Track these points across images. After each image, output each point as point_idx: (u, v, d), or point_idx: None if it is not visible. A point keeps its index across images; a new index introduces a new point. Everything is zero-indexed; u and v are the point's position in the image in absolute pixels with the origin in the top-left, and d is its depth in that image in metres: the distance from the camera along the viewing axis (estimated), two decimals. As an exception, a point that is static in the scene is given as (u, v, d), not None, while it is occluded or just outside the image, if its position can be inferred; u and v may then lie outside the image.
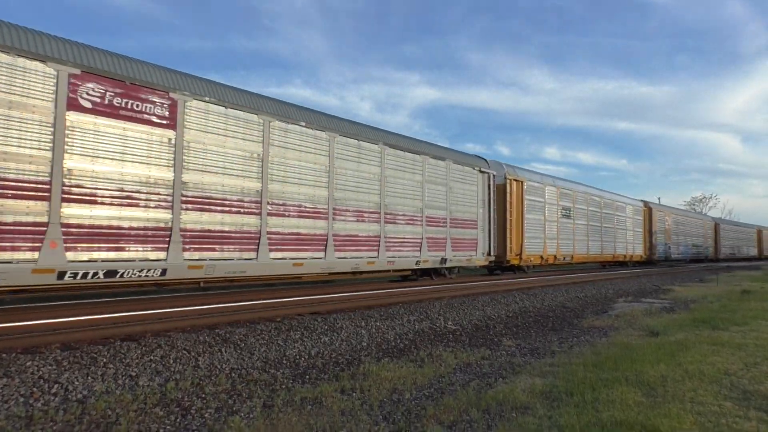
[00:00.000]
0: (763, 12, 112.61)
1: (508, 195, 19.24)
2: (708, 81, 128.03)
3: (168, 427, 4.16)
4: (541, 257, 20.84)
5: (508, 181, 19.32)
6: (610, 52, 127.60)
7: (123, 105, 8.36)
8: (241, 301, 9.77)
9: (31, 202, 7.32)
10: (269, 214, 10.49)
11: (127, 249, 8.33)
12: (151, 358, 5.80)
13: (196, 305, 9.05)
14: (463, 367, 6.22)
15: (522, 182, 20.06)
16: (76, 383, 4.93)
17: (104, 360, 5.55)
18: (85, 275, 7.82)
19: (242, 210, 9.97)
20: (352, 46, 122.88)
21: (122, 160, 8.34)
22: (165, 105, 8.87)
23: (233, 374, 5.71)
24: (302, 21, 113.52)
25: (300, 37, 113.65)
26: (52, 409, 4.37)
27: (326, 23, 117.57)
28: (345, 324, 8.25)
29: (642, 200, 33.94)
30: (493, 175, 18.12)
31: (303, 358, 6.54)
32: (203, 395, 4.94)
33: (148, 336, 6.71)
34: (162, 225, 8.82)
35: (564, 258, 22.56)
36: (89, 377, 5.09)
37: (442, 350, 7.08)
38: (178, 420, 4.31)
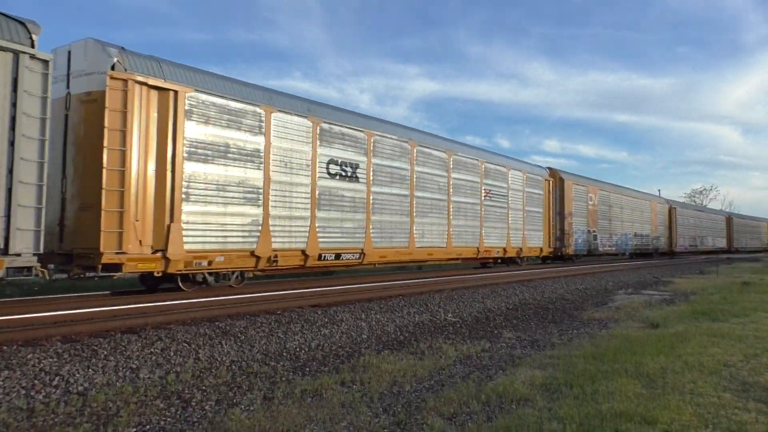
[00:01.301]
0: (764, 2, 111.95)
1: (115, 116, 8.46)
2: (709, 72, 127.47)
3: (169, 419, 4.18)
4: (255, 254, 10.35)
5: (113, 83, 8.50)
6: (610, 44, 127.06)
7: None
8: (241, 294, 9.78)
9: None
10: None
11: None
12: (152, 350, 5.81)
13: (196, 298, 9.06)
14: (464, 360, 6.23)
15: (172, 94, 9.26)
16: (77, 375, 4.94)
17: (105, 352, 5.56)
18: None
19: None
20: (351, 38, 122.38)
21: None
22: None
23: (233, 367, 5.72)
24: (301, 13, 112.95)
25: (299, 29, 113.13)
26: (54, 402, 4.38)
27: (325, 15, 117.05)
28: (345, 316, 8.26)
29: (548, 168, 23.14)
30: (41, 62, 7.00)
31: (303, 351, 6.55)
32: (204, 387, 4.96)
33: (148, 329, 6.72)
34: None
35: (338, 255, 12.14)
36: (90, 369, 5.10)
37: (443, 342, 7.09)
38: (178, 412, 4.32)
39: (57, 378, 4.83)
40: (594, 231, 25.59)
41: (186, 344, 6.14)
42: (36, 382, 4.71)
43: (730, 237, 49.57)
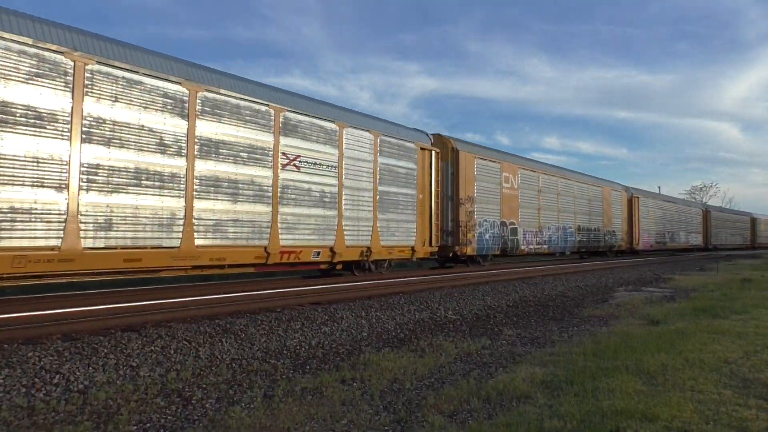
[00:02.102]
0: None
1: None
2: (709, 69, 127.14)
3: (169, 417, 4.17)
4: None
5: None
6: (609, 40, 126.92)
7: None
8: (242, 292, 9.78)
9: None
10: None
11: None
12: (152, 348, 5.81)
13: (196, 296, 9.06)
14: (464, 357, 6.23)
15: None
16: (78, 374, 4.94)
17: (105, 350, 5.56)
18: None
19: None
20: (350, 35, 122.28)
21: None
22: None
23: (234, 364, 5.72)
24: (300, 10, 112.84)
25: (298, 26, 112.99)
26: (54, 400, 4.38)
27: (324, 12, 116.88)
28: (345, 314, 8.26)
29: (436, 134, 16.37)
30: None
31: (303, 348, 6.55)
32: (204, 385, 4.96)
33: (148, 326, 6.72)
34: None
35: None
36: (90, 368, 5.10)
37: (443, 340, 7.09)
38: (179, 410, 4.32)
39: (57, 376, 4.83)
40: (513, 223, 18.84)
41: (186, 342, 6.14)
42: (36, 380, 4.71)
43: (708, 232, 43.31)
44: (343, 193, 12.18)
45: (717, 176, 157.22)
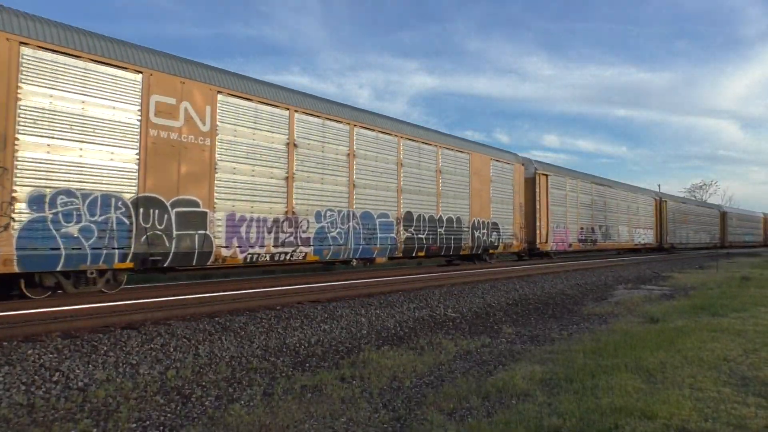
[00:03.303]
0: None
1: None
2: (708, 67, 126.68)
3: (168, 414, 4.18)
4: None
5: None
6: (609, 38, 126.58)
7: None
8: (241, 290, 9.77)
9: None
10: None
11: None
12: (152, 346, 5.81)
13: (196, 293, 9.06)
14: (463, 355, 6.24)
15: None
16: (77, 371, 4.94)
17: (105, 348, 5.56)
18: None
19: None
20: (349, 32, 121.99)
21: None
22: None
23: (233, 362, 5.72)
24: (299, 8, 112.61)
25: (298, 24, 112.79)
26: (54, 397, 4.39)
27: (323, 10, 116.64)
28: (345, 312, 8.27)
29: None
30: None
31: (303, 346, 6.56)
32: (203, 383, 4.96)
33: (148, 324, 6.72)
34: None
35: None
36: (90, 365, 5.10)
37: (442, 338, 7.10)
38: (178, 408, 4.32)
39: (57, 374, 4.83)
40: (193, 204, 9.02)
41: (186, 340, 6.14)
42: (36, 377, 4.71)
43: (662, 228, 34.09)
44: None
45: (717, 174, 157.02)
